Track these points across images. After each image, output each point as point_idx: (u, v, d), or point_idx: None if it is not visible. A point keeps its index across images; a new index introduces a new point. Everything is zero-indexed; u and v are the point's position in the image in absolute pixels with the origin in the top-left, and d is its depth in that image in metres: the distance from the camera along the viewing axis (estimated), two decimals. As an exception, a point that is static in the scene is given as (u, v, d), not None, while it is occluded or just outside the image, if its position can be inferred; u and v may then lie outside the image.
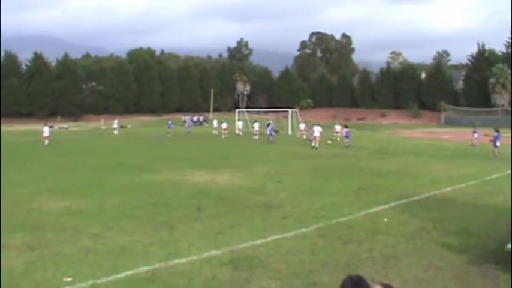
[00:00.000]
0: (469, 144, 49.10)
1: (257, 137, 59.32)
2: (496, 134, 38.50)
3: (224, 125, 64.52)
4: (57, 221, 15.81)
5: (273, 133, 55.60)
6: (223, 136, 61.12)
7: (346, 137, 49.12)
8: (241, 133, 66.26)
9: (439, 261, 11.99)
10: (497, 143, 38.06)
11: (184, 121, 69.24)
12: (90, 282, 10.42)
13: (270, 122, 59.84)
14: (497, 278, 10.82)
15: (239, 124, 68.57)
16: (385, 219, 16.16)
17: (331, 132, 56.04)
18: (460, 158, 36.79)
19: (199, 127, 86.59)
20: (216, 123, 69.53)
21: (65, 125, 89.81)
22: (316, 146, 45.69)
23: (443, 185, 23.79)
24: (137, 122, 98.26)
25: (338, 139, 53.33)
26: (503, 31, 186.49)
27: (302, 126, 62.83)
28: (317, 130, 47.32)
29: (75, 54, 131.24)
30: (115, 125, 74.06)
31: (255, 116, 78.09)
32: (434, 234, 14.47)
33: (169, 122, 70.38)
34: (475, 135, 49.62)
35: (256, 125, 62.46)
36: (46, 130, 50.09)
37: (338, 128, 56.08)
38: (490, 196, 21.23)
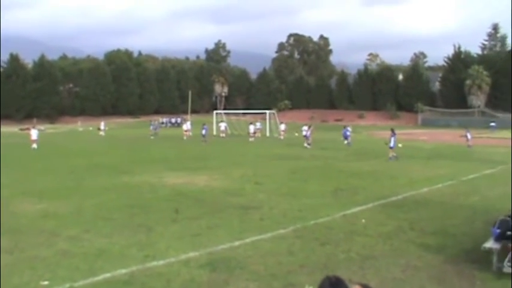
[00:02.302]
0: (445, 144, 49.34)
1: (223, 134, 63.30)
2: (391, 134, 37.59)
3: (185, 127, 65.18)
4: (34, 224, 15.65)
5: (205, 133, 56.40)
6: (184, 137, 61.05)
7: (306, 137, 49.46)
8: (223, 135, 66.10)
9: (416, 261, 12.04)
10: (392, 144, 37.10)
11: (151, 125, 68.56)
12: (67, 285, 10.30)
13: (205, 124, 60.21)
14: (473, 277, 10.89)
15: (221, 125, 68.40)
16: (363, 220, 16.20)
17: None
18: (436, 159, 37.06)
19: (177, 128, 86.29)
20: (186, 126, 69.00)
21: (42, 127, 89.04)
22: (306, 145, 46.38)
23: (420, 185, 23.93)
24: (114, 124, 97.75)
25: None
26: (479, 33, 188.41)
27: (282, 127, 62.97)
28: (305, 130, 47.88)
29: (52, 56, 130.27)
30: (101, 127, 73.73)
31: (232, 117, 77.98)
32: (412, 235, 14.53)
33: (153, 123, 69.77)
34: (469, 137, 49.83)
35: (222, 125, 65.67)
36: (34, 133, 48.19)
37: (305, 128, 55.40)
38: (466, 196, 21.41)
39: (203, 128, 57.03)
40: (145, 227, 15.14)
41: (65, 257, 12.23)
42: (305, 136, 49.58)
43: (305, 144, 48.22)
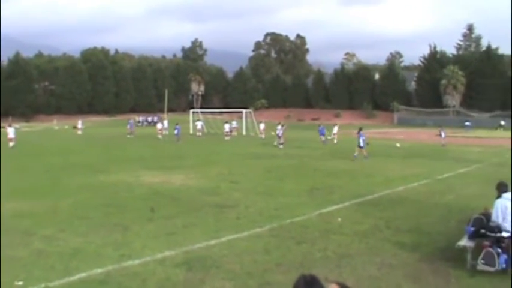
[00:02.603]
0: (421, 143, 49.66)
1: (200, 133, 64.10)
2: (359, 133, 37.59)
3: (159, 125, 65.49)
4: (9, 223, 15.44)
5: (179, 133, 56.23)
6: (159, 136, 60.96)
7: (278, 136, 49.42)
8: (200, 134, 65.97)
9: (392, 259, 12.09)
10: (361, 144, 36.82)
11: (128, 124, 67.96)
12: (43, 285, 10.21)
13: (178, 123, 60.38)
14: (448, 275, 10.96)
15: (198, 124, 68.19)
16: (339, 219, 16.24)
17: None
18: (412, 158, 37.29)
19: (153, 127, 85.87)
20: (160, 125, 68.55)
21: (17, 126, 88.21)
22: (278, 144, 46.20)
23: (396, 184, 24.05)
24: (90, 123, 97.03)
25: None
26: (454, 33, 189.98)
27: (262, 126, 62.97)
28: (278, 129, 47.89)
29: (27, 53, 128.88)
30: (79, 125, 73.16)
31: (209, 116, 77.82)
32: (387, 233, 14.59)
33: (130, 121, 69.22)
34: (443, 135, 50.20)
35: (199, 124, 66.28)
36: (10, 131, 46.89)
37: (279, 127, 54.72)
38: (441, 195, 21.55)
39: (175, 128, 57.14)
40: (121, 226, 15.06)
41: (40, 257, 12.12)
42: (277, 135, 49.34)
43: (275, 143, 48.25)
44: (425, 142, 52.94)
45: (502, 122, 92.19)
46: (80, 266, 11.41)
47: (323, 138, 52.43)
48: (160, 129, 63.63)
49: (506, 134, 69.18)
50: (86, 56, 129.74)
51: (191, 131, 68.81)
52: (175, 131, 56.47)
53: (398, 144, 48.69)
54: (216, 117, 79.47)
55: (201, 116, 74.18)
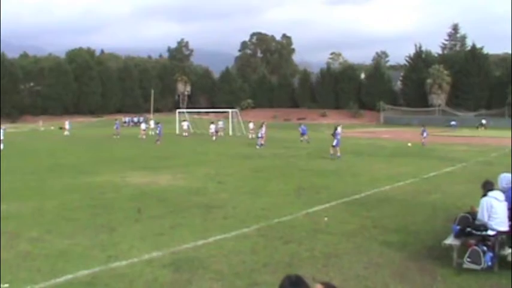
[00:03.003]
0: (407, 144, 49.79)
1: (186, 133, 64.80)
2: (335, 132, 37.77)
3: (143, 126, 65.65)
4: (-6, 225, 15.36)
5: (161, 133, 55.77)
6: (143, 137, 60.82)
7: (259, 137, 49.15)
8: (186, 134, 65.88)
9: (379, 258, 12.13)
10: (335, 142, 37.03)
11: (115, 124, 67.50)
12: (28, 287, 10.17)
13: (159, 122, 60.95)
14: (435, 273, 11.01)
15: (184, 124, 68.04)
16: (326, 218, 16.26)
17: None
18: (398, 157, 37.43)
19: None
20: (144, 125, 68.31)
21: (2, 127, 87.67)
22: (258, 144, 45.98)
23: (382, 183, 24.11)
24: (76, 123, 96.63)
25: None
26: (440, 33, 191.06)
27: (251, 125, 62.94)
28: (261, 129, 47.77)
29: (12, 54, 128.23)
30: (66, 126, 72.66)
31: (195, 116, 77.75)
32: (374, 232, 14.63)
33: (117, 122, 68.90)
34: (424, 135, 50.44)
35: (185, 124, 66.82)
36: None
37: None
38: (427, 194, 21.65)
39: (157, 127, 57.15)
40: (107, 227, 14.99)
41: (26, 259, 12.02)
42: (258, 136, 48.77)
43: (258, 145, 47.15)
44: (411, 141, 53.02)
45: (483, 121, 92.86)
46: (67, 267, 11.34)
47: (305, 137, 52.83)
48: (144, 130, 63.51)
49: (490, 133, 69.69)
50: (71, 57, 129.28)
51: (177, 131, 68.72)
52: (157, 130, 56.45)
53: (409, 144, 48.55)
54: (202, 117, 79.41)
55: (187, 116, 74.08)
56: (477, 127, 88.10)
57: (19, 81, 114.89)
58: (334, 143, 36.99)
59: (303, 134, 53.87)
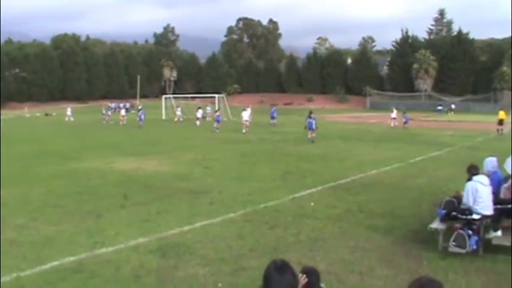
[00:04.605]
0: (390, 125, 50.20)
1: (181, 119, 64.68)
2: (310, 117, 38.65)
3: (122, 112, 65.22)
4: (-22, 212, 15.27)
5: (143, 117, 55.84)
6: (120, 123, 60.42)
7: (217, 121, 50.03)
8: (181, 119, 65.59)
9: (365, 242, 12.17)
10: (313, 125, 38.13)
11: (111, 108, 67.03)
12: (14, 275, 10.07)
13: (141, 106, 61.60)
14: (420, 257, 11.06)
15: (178, 110, 67.51)
16: (312, 203, 16.29)
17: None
18: (385, 142, 37.56)
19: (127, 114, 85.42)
20: (124, 111, 67.85)
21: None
22: (243, 131, 45.70)
23: (368, 168, 24.17)
24: (63, 110, 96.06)
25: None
26: (426, 18, 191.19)
27: (247, 114, 62.64)
28: (246, 115, 47.46)
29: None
30: (68, 112, 72.59)
31: (181, 102, 77.48)
32: (360, 217, 14.68)
33: (106, 107, 68.43)
34: (404, 119, 51.07)
35: (179, 110, 66.33)
36: None
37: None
38: (413, 178, 21.76)
39: (139, 112, 57.09)
40: (94, 214, 14.94)
41: (12, 246, 11.95)
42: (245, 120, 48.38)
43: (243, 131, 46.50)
44: (397, 126, 53.19)
45: (453, 106, 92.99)
46: (53, 254, 11.29)
47: (274, 121, 55.15)
48: (123, 116, 62.90)
49: (476, 118, 69.94)
50: (56, 43, 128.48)
51: (164, 117, 68.56)
52: (141, 115, 56.06)
53: (450, 132, 48.05)
54: (189, 103, 79.19)
55: (173, 102, 73.79)
56: (446, 112, 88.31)
57: (4, 67, 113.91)
58: (313, 127, 38.07)
59: (272, 118, 55.73)
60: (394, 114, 53.73)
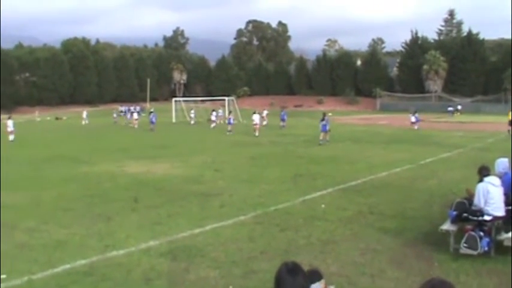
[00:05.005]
0: (404, 129, 50.10)
1: (193, 122, 64.72)
2: (323, 119, 38.59)
3: (135, 116, 65.11)
4: (-9, 215, 15.33)
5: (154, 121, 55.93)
6: (131, 125, 61.06)
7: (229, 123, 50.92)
8: (192, 121, 65.75)
9: (376, 244, 12.15)
10: (326, 128, 38.29)
11: (122, 111, 67.38)
12: (26, 278, 10.13)
13: (152, 110, 61.44)
14: (431, 259, 11.04)
15: (191, 113, 67.83)
16: (323, 205, 16.28)
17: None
18: (395, 143, 37.45)
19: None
20: (137, 115, 67.82)
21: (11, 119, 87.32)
22: (256, 134, 45.65)
23: (379, 170, 24.12)
24: (73, 113, 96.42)
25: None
26: (436, 19, 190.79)
27: (264, 113, 62.68)
28: (256, 118, 47.36)
29: (7, 45, 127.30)
30: (84, 116, 72.98)
31: (192, 105, 77.57)
32: (371, 219, 14.66)
33: (118, 110, 68.71)
34: (413, 119, 51.27)
35: (192, 112, 66.56)
36: (10, 124, 44.97)
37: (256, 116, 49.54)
38: (424, 180, 21.69)
39: (151, 115, 56.95)
40: (104, 217, 15.00)
41: (23, 250, 12.03)
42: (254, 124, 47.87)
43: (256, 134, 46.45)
44: (407, 127, 53.09)
45: (459, 107, 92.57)
46: (64, 257, 11.34)
47: (283, 124, 55.91)
48: (136, 119, 63.08)
49: (487, 119, 69.69)
50: (66, 47, 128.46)
51: (174, 120, 68.64)
52: (153, 119, 55.91)
53: (460, 134, 47.82)
54: (198, 106, 79.27)
55: (183, 105, 73.90)
56: (453, 113, 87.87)
57: (14, 72, 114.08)
58: (327, 128, 38.10)
59: (282, 120, 56.39)
60: (413, 118, 53.45)
